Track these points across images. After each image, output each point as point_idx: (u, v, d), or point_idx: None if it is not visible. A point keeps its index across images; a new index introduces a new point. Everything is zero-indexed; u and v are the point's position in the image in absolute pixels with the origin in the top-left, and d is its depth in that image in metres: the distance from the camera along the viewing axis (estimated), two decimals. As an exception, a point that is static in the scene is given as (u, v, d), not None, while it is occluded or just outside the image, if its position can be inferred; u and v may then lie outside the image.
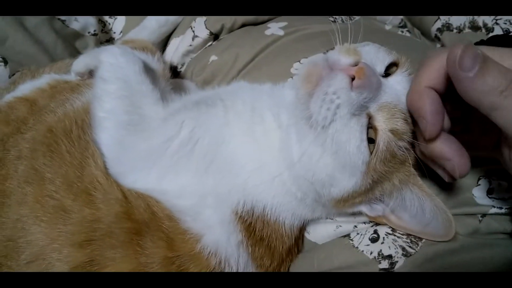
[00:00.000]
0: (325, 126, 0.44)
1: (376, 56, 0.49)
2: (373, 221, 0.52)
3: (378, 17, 0.90)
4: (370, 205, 0.51)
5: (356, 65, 0.44)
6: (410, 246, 0.48)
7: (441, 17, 0.81)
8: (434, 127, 0.38)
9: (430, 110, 0.38)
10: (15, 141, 0.57)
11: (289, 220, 0.53)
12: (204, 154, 0.52)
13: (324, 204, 0.50)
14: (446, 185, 0.49)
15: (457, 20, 0.80)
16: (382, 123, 0.44)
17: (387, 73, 0.49)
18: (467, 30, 0.79)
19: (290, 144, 0.48)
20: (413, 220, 0.48)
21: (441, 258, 0.47)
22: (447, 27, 0.81)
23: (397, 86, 0.47)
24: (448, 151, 0.39)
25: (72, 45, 0.83)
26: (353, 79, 0.43)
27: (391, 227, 0.50)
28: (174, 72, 0.85)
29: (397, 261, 0.47)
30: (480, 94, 0.33)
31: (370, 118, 0.45)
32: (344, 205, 0.49)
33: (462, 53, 0.33)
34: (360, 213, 0.53)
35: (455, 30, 0.80)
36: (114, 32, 0.93)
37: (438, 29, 0.82)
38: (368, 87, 0.43)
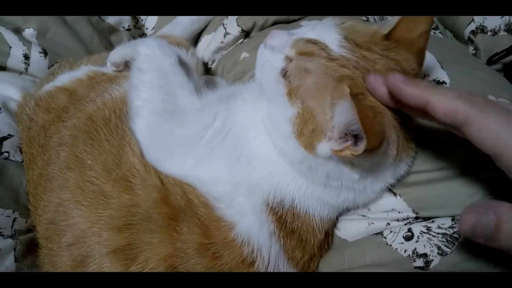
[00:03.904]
0: (260, 82, 0.53)
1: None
2: (341, 155, 0.46)
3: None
4: (335, 140, 0.46)
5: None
6: (446, 245, 0.48)
7: (475, 19, 0.80)
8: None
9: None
10: (56, 129, 0.59)
11: (319, 212, 0.53)
12: (234, 144, 0.54)
13: (305, 157, 0.49)
14: (485, 188, 0.48)
15: (492, 22, 0.78)
16: (291, 53, 0.48)
17: None
18: (502, 32, 0.78)
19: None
20: None
21: (478, 259, 0.46)
22: (482, 29, 0.80)
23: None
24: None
25: (107, 39, 0.85)
26: None
27: (426, 226, 0.50)
28: (205, 69, 0.86)
29: (432, 260, 0.47)
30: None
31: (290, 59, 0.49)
32: (308, 141, 0.47)
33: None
34: (392, 210, 0.53)
35: (489, 33, 0.79)
36: (147, 28, 0.95)
37: (472, 32, 0.80)
38: (270, 39, 0.51)
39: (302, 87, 0.47)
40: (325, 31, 0.48)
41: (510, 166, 0.35)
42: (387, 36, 0.48)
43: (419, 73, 0.50)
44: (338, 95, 0.43)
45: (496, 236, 0.35)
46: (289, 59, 0.48)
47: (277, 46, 0.50)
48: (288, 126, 0.48)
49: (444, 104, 0.37)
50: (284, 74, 0.48)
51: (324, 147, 0.46)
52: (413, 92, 0.40)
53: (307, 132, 0.47)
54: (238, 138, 0.54)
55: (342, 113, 0.43)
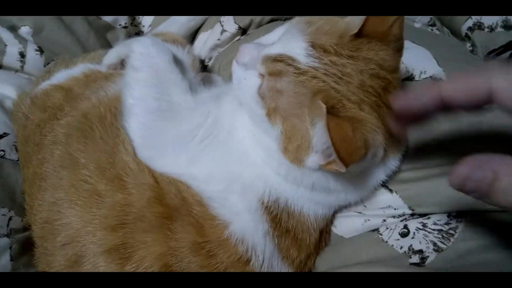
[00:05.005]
0: (239, 100, 0.52)
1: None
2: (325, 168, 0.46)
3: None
4: (321, 154, 0.46)
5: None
6: (441, 242, 0.48)
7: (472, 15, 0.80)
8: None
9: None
10: (51, 127, 0.59)
11: (313, 211, 0.53)
12: (225, 144, 0.54)
13: (290, 168, 0.49)
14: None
15: (489, 19, 0.78)
16: (263, 70, 0.47)
17: None
18: (499, 29, 0.77)
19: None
20: None
21: (473, 255, 0.46)
22: (479, 26, 0.79)
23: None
24: None
25: (104, 37, 0.85)
26: None
27: (422, 223, 0.50)
28: (202, 66, 0.86)
29: (428, 256, 0.47)
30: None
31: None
32: (294, 156, 0.47)
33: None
34: (388, 207, 0.52)
35: (486, 29, 0.79)
36: (143, 26, 0.95)
37: (469, 28, 0.80)
38: (241, 56, 0.50)
39: (279, 108, 0.46)
40: (291, 41, 0.46)
41: None
42: (358, 34, 0.45)
43: (397, 67, 0.48)
44: (315, 112, 0.43)
45: (490, 192, 0.31)
46: (263, 76, 0.48)
47: (248, 63, 0.49)
48: (271, 143, 0.48)
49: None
50: (262, 93, 0.47)
51: (312, 160, 0.46)
52: (471, 83, 0.33)
53: (292, 148, 0.47)
54: (228, 138, 0.54)
55: (319, 136, 0.43)
